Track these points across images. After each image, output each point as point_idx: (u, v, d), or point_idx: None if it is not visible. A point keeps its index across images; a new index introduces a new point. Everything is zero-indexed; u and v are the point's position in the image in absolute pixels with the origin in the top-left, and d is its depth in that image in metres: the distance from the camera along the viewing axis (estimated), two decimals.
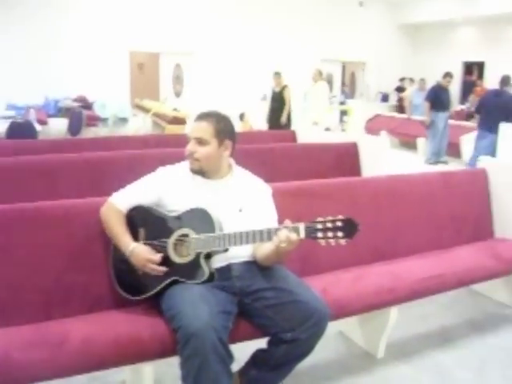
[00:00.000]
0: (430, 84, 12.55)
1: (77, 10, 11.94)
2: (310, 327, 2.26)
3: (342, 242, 2.18)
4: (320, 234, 2.18)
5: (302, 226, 2.20)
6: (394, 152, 11.80)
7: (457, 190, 3.92)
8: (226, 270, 2.40)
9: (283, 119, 9.44)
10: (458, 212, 3.86)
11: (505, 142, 8.31)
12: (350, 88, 17.98)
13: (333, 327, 3.18)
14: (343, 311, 2.67)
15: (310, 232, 2.19)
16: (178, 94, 14.06)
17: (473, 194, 4.00)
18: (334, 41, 15.88)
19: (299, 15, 14.82)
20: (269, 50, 14.14)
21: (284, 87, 9.57)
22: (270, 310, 2.32)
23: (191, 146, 2.44)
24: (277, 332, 2.31)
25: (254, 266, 2.46)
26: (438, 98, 10.28)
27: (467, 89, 16.65)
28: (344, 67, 17.64)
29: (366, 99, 16.88)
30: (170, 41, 12.93)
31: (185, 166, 2.52)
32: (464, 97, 15.99)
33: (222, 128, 2.46)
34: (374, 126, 13.20)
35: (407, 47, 18.50)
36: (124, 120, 11.58)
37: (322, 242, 2.19)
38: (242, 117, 10.55)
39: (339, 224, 2.18)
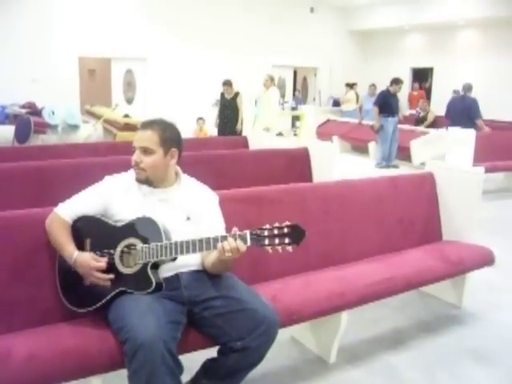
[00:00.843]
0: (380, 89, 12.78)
1: (24, 13, 11.66)
2: (259, 335, 2.25)
3: (289, 248, 2.18)
4: (267, 242, 2.18)
5: (248, 234, 2.20)
6: (346, 156, 11.97)
7: (405, 193, 3.99)
8: (174, 280, 2.37)
9: (239, 126, 9.43)
10: (407, 215, 3.93)
11: (453, 145, 8.50)
12: (302, 93, 18.11)
13: (284, 333, 3.19)
14: (294, 318, 2.67)
15: (257, 239, 2.19)
16: (129, 101, 13.89)
17: (420, 197, 4.07)
18: (286, 46, 15.98)
19: (250, 21, 14.87)
20: (220, 56, 14.14)
21: (236, 94, 9.55)
22: (219, 319, 2.30)
23: (136, 156, 2.41)
24: (226, 341, 2.29)
25: (203, 274, 2.44)
26: (386, 103, 10.43)
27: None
28: (296, 72, 17.76)
29: (318, 104, 17.04)
30: (122, 46, 12.78)
31: (132, 174, 2.48)
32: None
33: (168, 136, 2.43)
34: (325, 130, 13.33)
35: (358, 53, 18.81)
36: (74, 127, 11.31)
37: (269, 250, 2.19)
38: (199, 120, 10.47)
39: (286, 231, 2.18)
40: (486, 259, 3.72)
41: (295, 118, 14.48)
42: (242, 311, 2.28)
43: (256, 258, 2.90)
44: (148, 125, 2.44)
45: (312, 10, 16.78)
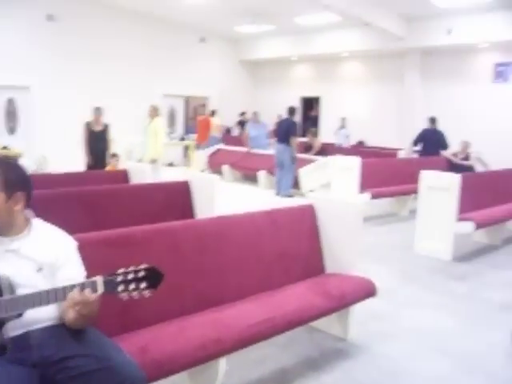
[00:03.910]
0: (267, 117, 13.00)
1: None
2: None
3: (146, 293, 2.01)
4: (121, 287, 2.00)
5: (100, 280, 2.00)
6: (237, 186, 11.94)
7: (285, 227, 3.89)
8: (22, 339, 2.09)
9: (108, 160, 8.73)
10: (287, 249, 3.83)
11: (338, 172, 8.70)
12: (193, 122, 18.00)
13: (164, 382, 2.98)
14: (164, 370, 2.45)
15: (110, 286, 2.00)
16: (11, 131, 13.14)
17: (301, 230, 3.99)
18: (177, 76, 15.90)
19: (140, 50, 14.65)
20: (108, 86, 13.74)
21: (107, 126, 8.87)
22: (76, 381, 2.04)
23: None
24: None
25: (61, 330, 2.17)
26: None
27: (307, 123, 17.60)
28: (187, 102, 17.66)
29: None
30: (1, 74, 12.08)
31: None
32: (304, 130, 16.64)
33: (12, 179, 2.17)
34: (216, 160, 13.30)
35: (248, 82, 19.08)
36: None
37: (124, 296, 2.00)
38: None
39: (142, 274, 2.02)
40: (368, 291, 3.69)
41: (187, 148, 14.36)
42: (101, 370, 2.04)
43: (126, 303, 2.65)
44: None
45: (202, 39, 16.84)
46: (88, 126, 8.77)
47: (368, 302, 3.81)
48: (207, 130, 13.37)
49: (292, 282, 3.70)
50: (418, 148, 11.12)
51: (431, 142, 10.75)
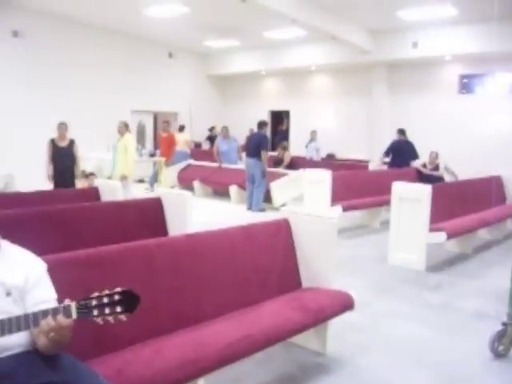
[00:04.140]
0: (237, 132, 12.98)
1: None
2: None
3: (122, 317, 1.94)
4: (96, 312, 1.92)
5: (73, 306, 1.91)
6: (208, 201, 11.86)
7: (260, 242, 3.85)
8: None
9: (78, 177, 8.51)
10: (263, 265, 3.78)
11: (310, 185, 8.70)
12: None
13: None
14: None
15: (85, 311, 1.92)
16: None
17: (276, 245, 3.95)
18: (145, 91, 15.81)
19: (108, 66, 14.56)
20: (76, 101, 13.58)
21: (72, 142, 8.51)
22: None
23: None
24: None
25: (33, 356, 2.08)
26: None
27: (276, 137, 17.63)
28: (156, 117, 17.58)
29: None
30: None
31: None
32: (273, 144, 16.65)
33: None
34: (186, 175, 13.23)
35: (217, 97, 19.12)
36: None
37: (100, 321, 1.93)
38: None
39: (117, 298, 1.94)
40: (345, 304, 3.67)
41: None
42: None
43: (100, 325, 2.58)
44: None
45: (171, 55, 16.82)
46: (52, 142, 8.46)
47: (344, 315, 3.79)
48: (172, 147, 13.21)
49: (269, 298, 3.65)
50: (388, 159, 11.25)
51: (401, 152, 10.94)
